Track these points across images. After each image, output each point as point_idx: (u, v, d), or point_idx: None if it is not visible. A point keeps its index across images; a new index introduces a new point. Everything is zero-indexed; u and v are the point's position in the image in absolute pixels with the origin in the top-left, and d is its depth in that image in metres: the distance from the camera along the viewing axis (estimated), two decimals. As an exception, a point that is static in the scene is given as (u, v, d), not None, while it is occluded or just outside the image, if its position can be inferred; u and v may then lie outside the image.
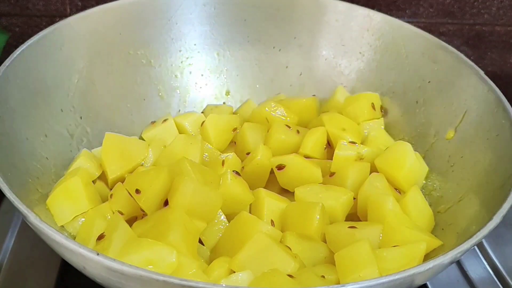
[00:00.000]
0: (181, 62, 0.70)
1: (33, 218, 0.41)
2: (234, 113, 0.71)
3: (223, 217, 0.54)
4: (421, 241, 0.49)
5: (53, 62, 0.59)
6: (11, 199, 0.43)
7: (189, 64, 0.70)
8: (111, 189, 0.56)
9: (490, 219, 0.45)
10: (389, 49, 0.67)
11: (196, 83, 0.71)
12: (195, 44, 0.70)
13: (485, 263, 0.61)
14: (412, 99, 0.65)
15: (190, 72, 0.71)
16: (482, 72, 0.59)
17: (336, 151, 0.60)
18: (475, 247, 0.61)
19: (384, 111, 0.67)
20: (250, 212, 0.55)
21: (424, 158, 0.62)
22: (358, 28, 0.69)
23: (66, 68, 0.60)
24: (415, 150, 0.59)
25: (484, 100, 0.57)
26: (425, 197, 0.59)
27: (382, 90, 0.68)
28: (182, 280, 0.37)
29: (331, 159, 0.60)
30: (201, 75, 0.71)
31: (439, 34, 0.84)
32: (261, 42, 0.71)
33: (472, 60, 0.61)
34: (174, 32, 0.68)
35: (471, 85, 0.59)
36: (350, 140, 0.61)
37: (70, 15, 0.62)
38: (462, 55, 0.62)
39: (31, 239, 0.57)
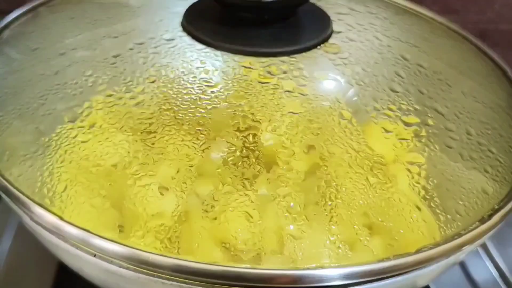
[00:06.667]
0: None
1: (28, 219, 0.41)
2: (234, 112, 0.70)
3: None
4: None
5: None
6: (7, 200, 0.43)
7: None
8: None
9: (493, 219, 0.44)
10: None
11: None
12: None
13: (488, 264, 0.60)
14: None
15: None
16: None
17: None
18: (478, 247, 0.61)
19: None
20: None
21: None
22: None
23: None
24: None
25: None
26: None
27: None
28: (181, 281, 0.37)
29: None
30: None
31: (441, 32, 0.83)
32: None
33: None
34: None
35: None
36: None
37: (68, 12, 0.62)
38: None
39: (29, 241, 0.57)
